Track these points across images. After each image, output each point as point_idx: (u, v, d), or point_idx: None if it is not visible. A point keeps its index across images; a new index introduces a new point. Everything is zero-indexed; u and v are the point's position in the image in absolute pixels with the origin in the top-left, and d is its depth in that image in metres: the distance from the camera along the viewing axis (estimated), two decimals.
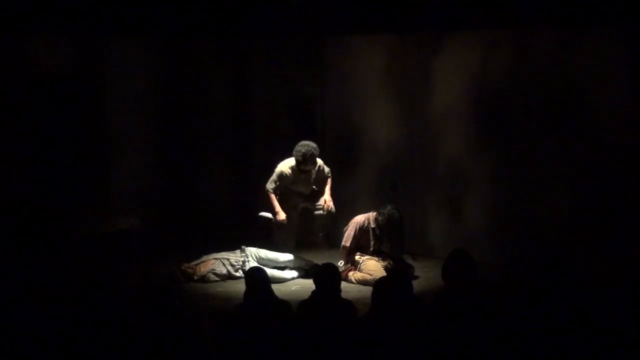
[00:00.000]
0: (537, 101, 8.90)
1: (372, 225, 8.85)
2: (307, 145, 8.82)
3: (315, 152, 8.85)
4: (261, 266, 8.18)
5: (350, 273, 8.74)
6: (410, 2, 9.43)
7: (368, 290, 6.16)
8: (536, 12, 8.61)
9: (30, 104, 9.47)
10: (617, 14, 8.14)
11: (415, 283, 7.74)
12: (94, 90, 10.08)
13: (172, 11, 10.19)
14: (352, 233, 8.87)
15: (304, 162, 8.84)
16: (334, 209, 9.09)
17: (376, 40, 10.08)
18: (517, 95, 9.04)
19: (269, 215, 9.14)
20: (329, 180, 9.17)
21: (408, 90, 9.88)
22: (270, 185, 8.96)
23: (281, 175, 8.94)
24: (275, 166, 9.09)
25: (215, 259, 8.88)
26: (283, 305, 5.91)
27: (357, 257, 8.83)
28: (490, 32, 9.16)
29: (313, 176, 9.06)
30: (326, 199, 9.08)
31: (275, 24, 10.45)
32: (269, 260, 8.94)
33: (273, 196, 8.97)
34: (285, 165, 8.96)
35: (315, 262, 8.98)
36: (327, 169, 9.15)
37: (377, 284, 5.54)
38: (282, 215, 8.97)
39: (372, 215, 8.88)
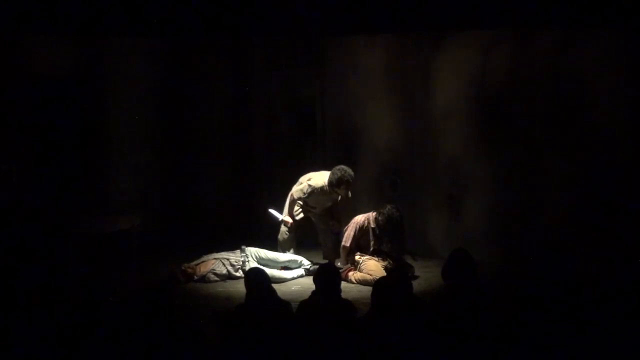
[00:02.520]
0: (537, 101, 8.90)
1: (372, 225, 8.84)
2: (344, 170, 8.90)
3: (350, 179, 8.91)
4: (261, 266, 8.20)
5: (350, 273, 8.74)
6: (410, 2, 9.43)
7: (368, 290, 6.17)
8: (536, 12, 8.60)
9: (30, 104, 9.47)
10: (617, 14, 8.14)
11: (415, 283, 7.74)
12: (94, 91, 10.09)
13: (172, 11, 10.19)
14: (352, 233, 8.87)
15: (337, 186, 8.91)
16: (339, 232, 9.19)
17: (376, 40, 10.08)
18: (517, 95, 9.04)
19: (278, 215, 9.38)
20: (346, 204, 9.22)
21: (408, 90, 9.88)
22: (298, 194, 9.14)
23: (313, 191, 9.07)
24: (295, 171, 9.36)
25: (215, 259, 8.88)
26: (283, 305, 5.91)
27: (357, 257, 8.82)
28: (490, 32, 9.16)
29: (338, 199, 9.16)
30: (336, 221, 9.24)
31: (275, 24, 10.45)
32: (269, 260, 8.94)
33: (294, 203, 9.20)
34: (321, 182, 9.06)
35: (316, 262, 9.00)
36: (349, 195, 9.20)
37: (377, 284, 5.54)
38: (289, 220, 9.23)
39: (372, 215, 8.88)
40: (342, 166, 8.98)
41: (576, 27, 8.54)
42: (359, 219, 8.93)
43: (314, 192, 9.09)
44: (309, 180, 9.15)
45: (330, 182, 8.94)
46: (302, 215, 9.27)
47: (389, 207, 8.78)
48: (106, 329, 5.36)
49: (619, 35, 8.31)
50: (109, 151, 10.26)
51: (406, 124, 9.93)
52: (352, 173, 8.93)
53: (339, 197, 9.15)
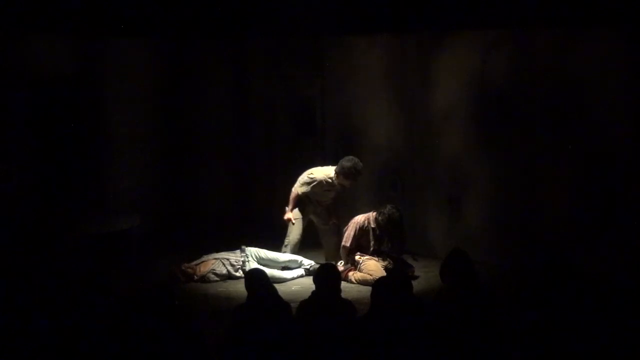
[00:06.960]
0: (537, 101, 8.89)
1: (372, 225, 8.85)
2: (355, 161, 8.88)
3: (360, 171, 8.91)
4: (261, 266, 8.21)
5: (350, 273, 8.74)
6: (410, 2, 9.43)
7: (368, 290, 6.17)
8: (536, 12, 8.60)
9: (30, 104, 9.47)
10: (617, 14, 8.14)
11: (415, 283, 7.74)
12: (94, 91, 10.08)
13: (173, 11, 10.19)
14: (352, 233, 8.87)
15: (346, 174, 8.89)
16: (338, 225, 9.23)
17: (376, 40, 10.08)
18: (517, 95, 9.04)
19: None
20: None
21: (408, 90, 9.87)
22: (301, 189, 9.10)
23: (317, 184, 9.06)
24: (297, 168, 9.34)
25: (215, 259, 8.88)
26: (283, 305, 5.91)
27: (357, 257, 8.82)
28: (490, 32, 9.16)
29: (344, 191, 9.18)
30: (335, 218, 9.26)
31: (275, 24, 10.45)
32: (269, 260, 8.94)
33: (297, 198, 9.14)
34: (322, 174, 9.07)
35: (316, 262, 8.99)
36: None
37: (377, 284, 5.54)
38: (289, 216, 9.14)
39: (372, 215, 8.89)
40: (352, 157, 8.95)
41: (576, 27, 8.54)
42: (359, 219, 8.94)
43: (316, 184, 9.05)
44: (310, 174, 9.15)
45: (341, 168, 8.89)
46: (300, 219, 9.21)
47: (389, 207, 8.78)
48: (106, 329, 5.36)
49: (619, 35, 8.31)
50: (109, 151, 10.26)
51: (406, 124, 9.93)
52: (361, 165, 8.91)
53: (336, 192, 9.12)
